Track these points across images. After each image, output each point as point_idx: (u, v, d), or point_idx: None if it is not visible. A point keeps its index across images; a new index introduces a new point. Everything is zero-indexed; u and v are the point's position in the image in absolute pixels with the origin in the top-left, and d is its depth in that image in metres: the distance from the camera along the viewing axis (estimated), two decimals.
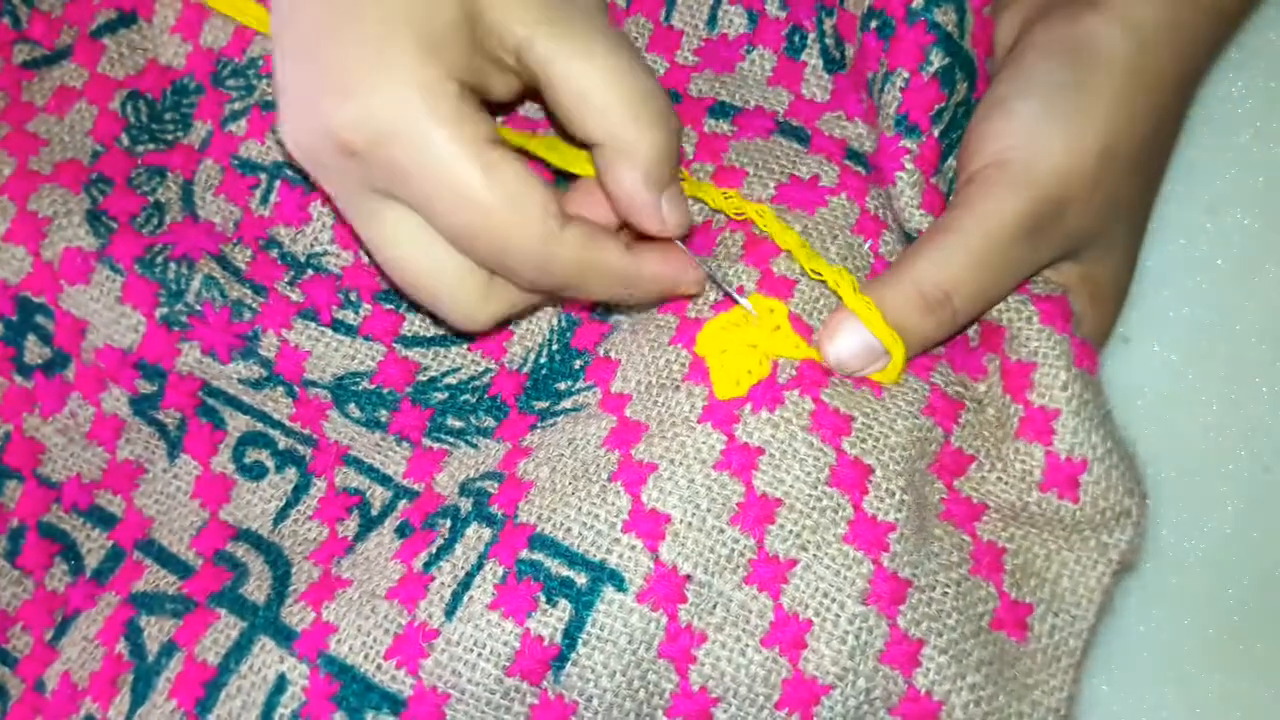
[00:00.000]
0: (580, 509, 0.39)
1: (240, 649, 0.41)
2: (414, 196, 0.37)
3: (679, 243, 0.41)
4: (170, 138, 0.50)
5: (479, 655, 0.38)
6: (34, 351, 0.47)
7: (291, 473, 0.45)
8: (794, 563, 0.39)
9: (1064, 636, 0.40)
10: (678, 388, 0.41)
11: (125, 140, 0.49)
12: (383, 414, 0.46)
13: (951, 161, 0.43)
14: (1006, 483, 0.41)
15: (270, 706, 0.39)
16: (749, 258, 0.43)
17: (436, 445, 0.45)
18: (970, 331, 0.43)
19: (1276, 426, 0.51)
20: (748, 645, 0.38)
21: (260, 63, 0.49)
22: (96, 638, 0.43)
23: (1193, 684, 0.49)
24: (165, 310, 0.46)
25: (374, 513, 0.44)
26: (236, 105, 0.49)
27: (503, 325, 0.46)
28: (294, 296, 0.47)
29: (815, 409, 0.40)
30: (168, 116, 0.50)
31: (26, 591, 0.46)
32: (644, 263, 0.40)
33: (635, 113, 0.37)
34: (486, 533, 0.40)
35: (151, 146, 0.49)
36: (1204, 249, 0.52)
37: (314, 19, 0.37)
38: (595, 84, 0.37)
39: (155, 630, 0.42)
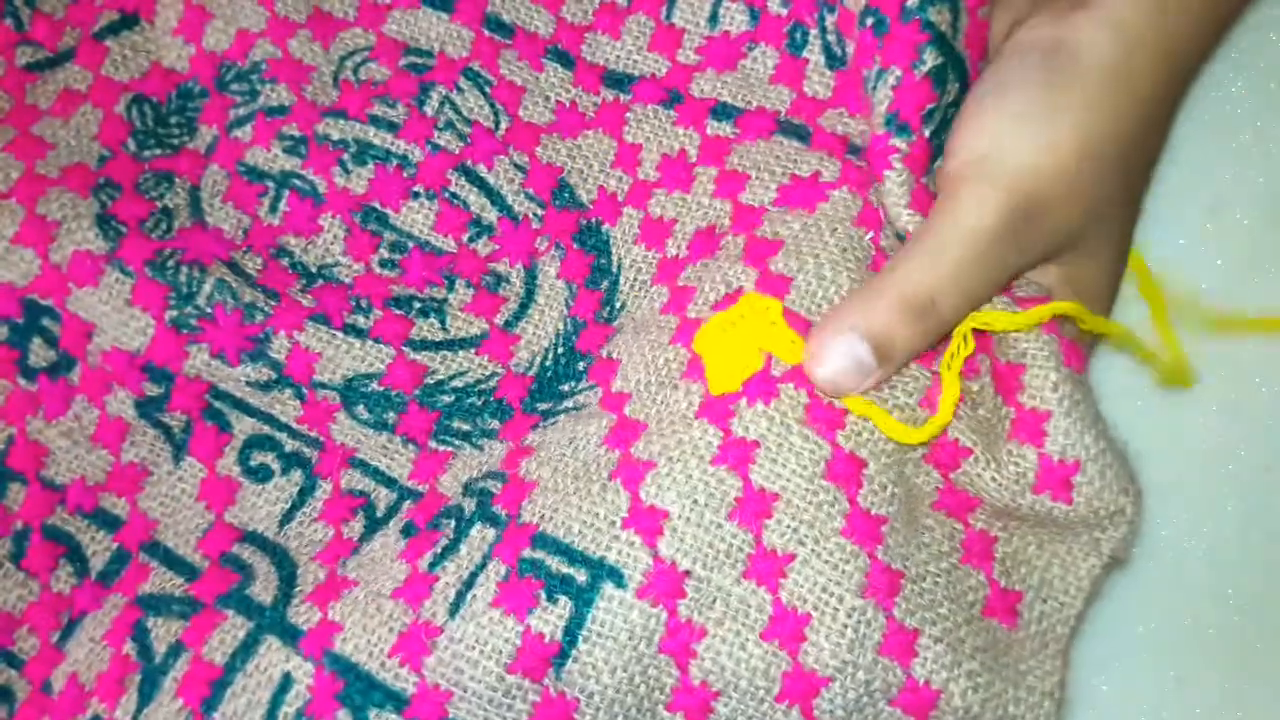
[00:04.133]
0: (581, 507, 0.39)
1: (247, 649, 0.41)
2: None
3: None
4: (176, 142, 0.50)
5: (480, 653, 0.38)
6: (39, 354, 0.47)
7: (297, 475, 0.46)
8: (792, 557, 0.39)
9: (1052, 623, 0.41)
10: (676, 386, 0.41)
11: (132, 145, 0.49)
12: (390, 416, 0.46)
13: (940, 162, 0.43)
14: (1000, 484, 0.41)
15: (275, 705, 0.40)
16: (748, 258, 0.43)
17: (442, 448, 0.45)
18: None
19: (1276, 426, 0.51)
20: (747, 639, 0.39)
21: (264, 66, 0.50)
22: (104, 639, 0.43)
23: (1193, 684, 0.49)
24: (175, 313, 0.46)
25: (379, 514, 0.44)
26: (241, 110, 0.49)
27: (510, 330, 0.47)
28: (305, 302, 0.47)
29: (810, 402, 0.40)
30: (173, 121, 0.50)
31: (32, 594, 0.46)
32: None
33: None
34: (491, 533, 0.40)
35: (158, 151, 0.49)
36: (1204, 249, 0.52)
37: None
38: None
39: (162, 631, 0.42)
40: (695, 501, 0.39)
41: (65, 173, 0.48)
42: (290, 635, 0.41)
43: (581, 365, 0.45)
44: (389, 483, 0.45)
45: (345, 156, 0.49)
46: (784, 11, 0.47)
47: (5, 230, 0.46)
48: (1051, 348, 0.40)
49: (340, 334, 0.46)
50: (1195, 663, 0.49)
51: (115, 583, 0.45)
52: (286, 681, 0.40)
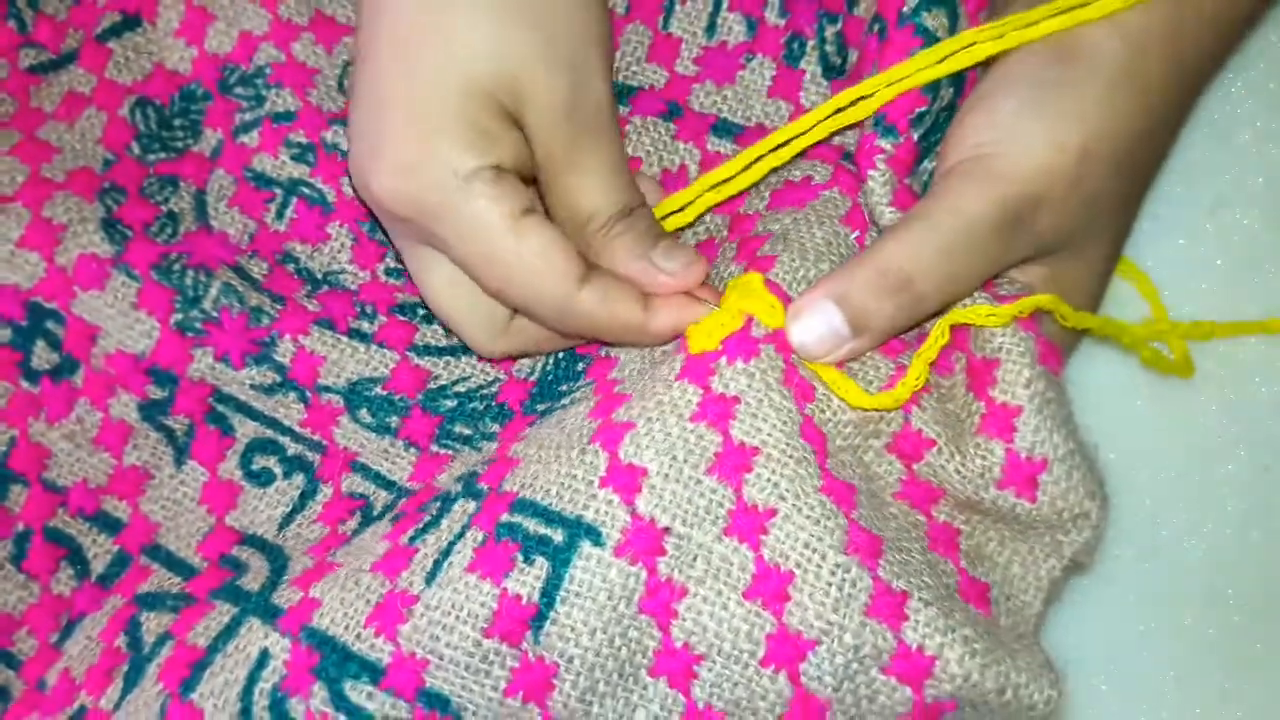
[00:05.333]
0: (559, 471, 0.39)
1: (229, 631, 0.40)
2: (453, 257, 0.42)
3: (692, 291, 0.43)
4: (181, 145, 0.50)
5: (456, 618, 0.38)
6: (42, 357, 0.47)
7: (299, 479, 0.46)
8: (773, 512, 0.38)
9: (1017, 620, 0.40)
10: (661, 363, 0.41)
11: (136, 149, 0.49)
12: (393, 420, 0.46)
13: (927, 164, 0.44)
14: (964, 476, 0.40)
15: (251, 681, 0.39)
16: (740, 256, 0.43)
17: (442, 451, 0.45)
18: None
19: (1276, 426, 0.51)
20: (729, 598, 0.38)
21: (268, 71, 0.50)
22: (99, 636, 0.43)
23: (1193, 684, 0.49)
24: (180, 316, 0.46)
25: (375, 514, 0.44)
26: (247, 116, 0.50)
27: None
28: (311, 306, 0.47)
29: (787, 368, 0.40)
30: (177, 124, 0.50)
31: (32, 595, 0.46)
32: (655, 317, 0.42)
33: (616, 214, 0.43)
34: (471, 505, 0.40)
35: (163, 155, 0.50)
36: (1204, 249, 0.52)
37: (379, 81, 0.42)
38: (587, 201, 0.43)
39: (153, 624, 0.42)
40: (674, 458, 0.38)
41: (70, 176, 0.48)
42: (270, 614, 0.40)
43: (580, 366, 0.46)
44: (389, 486, 0.45)
45: None
46: (782, 22, 0.47)
47: (11, 233, 0.46)
48: (1027, 345, 0.40)
49: (345, 338, 0.46)
50: (1195, 662, 0.49)
51: (115, 585, 0.45)
52: (263, 657, 0.39)
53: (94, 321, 0.46)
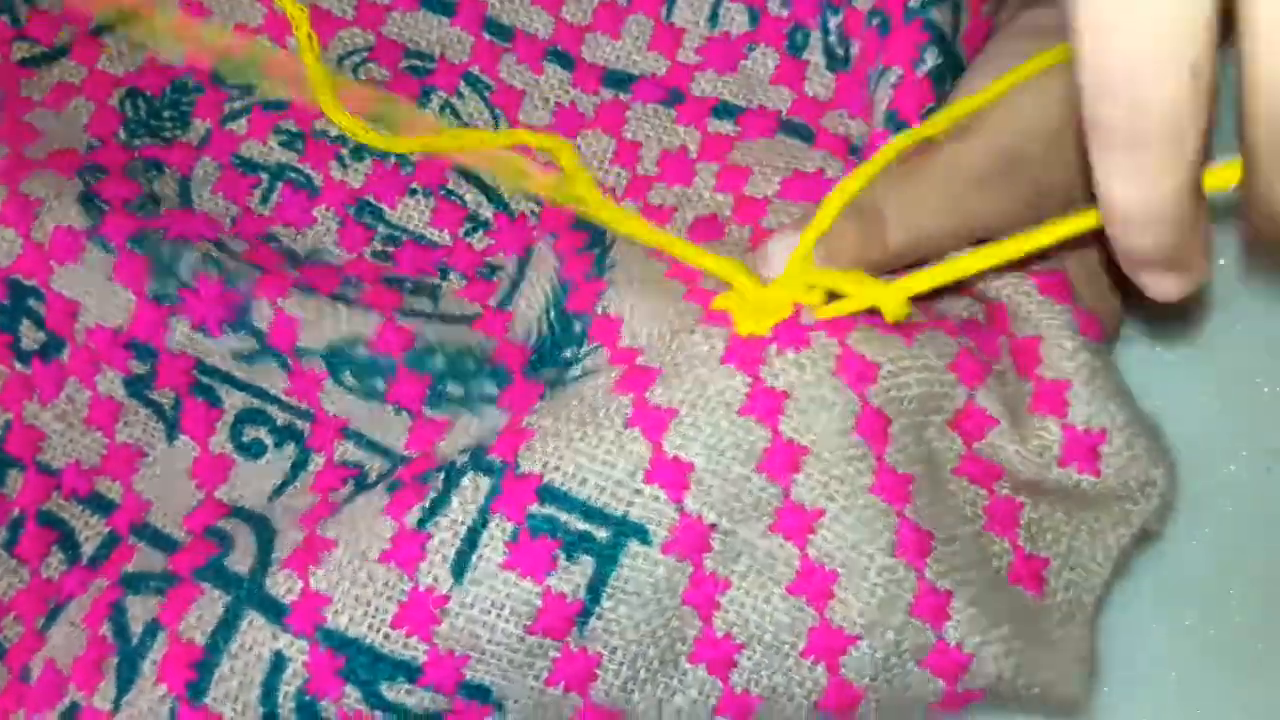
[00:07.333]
0: (594, 458, 0.38)
1: (227, 626, 0.39)
2: None
3: None
4: (169, 135, 0.50)
5: (498, 616, 0.38)
6: (29, 337, 0.46)
7: (290, 449, 0.45)
8: (821, 512, 0.38)
9: (1079, 592, 0.40)
10: (693, 331, 0.40)
11: (122, 134, 0.49)
12: (379, 383, 0.44)
13: None
14: (1024, 458, 0.40)
15: (271, 686, 0.38)
16: (752, 243, 0.43)
17: (439, 415, 0.44)
18: (980, 315, 0.43)
19: (1277, 427, 0.51)
20: (773, 592, 0.38)
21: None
22: (82, 621, 0.42)
23: (1193, 684, 0.49)
24: (156, 285, 0.45)
25: (370, 481, 0.43)
26: (237, 104, 0.49)
27: (504, 309, 0.46)
28: (292, 274, 0.46)
29: (841, 352, 0.39)
30: (166, 114, 0.50)
31: (22, 581, 0.45)
32: None
33: None
34: (485, 482, 0.39)
35: (149, 141, 0.49)
36: None
37: None
38: None
39: (139, 610, 0.41)
40: (722, 453, 0.38)
41: (51, 157, 0.47)
42: (273, 610, 0.39)
43: (578, 327, 0.44)
44: (384, 453, 0.44)
45: (343, 151, 0.49)
46: (784, 13, 0.48)
47: None
48: (1066, 317, 0.40)
49: (326, 299, 0.45)
50: (1196, 663, 0.49)
51: (102, 566, 0.44)
52: (279, 661, 0.39)
53: (73, 296, 0.46)
